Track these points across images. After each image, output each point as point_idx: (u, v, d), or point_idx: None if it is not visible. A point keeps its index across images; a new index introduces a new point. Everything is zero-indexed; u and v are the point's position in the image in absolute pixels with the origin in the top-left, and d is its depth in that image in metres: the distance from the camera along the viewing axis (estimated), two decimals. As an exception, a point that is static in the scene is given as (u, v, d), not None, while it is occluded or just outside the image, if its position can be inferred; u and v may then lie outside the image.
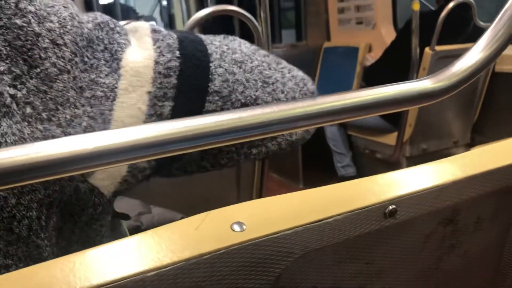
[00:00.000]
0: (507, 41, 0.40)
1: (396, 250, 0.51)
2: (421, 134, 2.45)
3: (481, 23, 2.29)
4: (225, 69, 0.54)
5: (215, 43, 0.55)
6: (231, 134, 0.34)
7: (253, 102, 0.54)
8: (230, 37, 0.59)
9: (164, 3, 5.38)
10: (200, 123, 0.33)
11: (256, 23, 1.29)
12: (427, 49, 2.19)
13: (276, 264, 0.40)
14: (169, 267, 0.34)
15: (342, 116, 0.38)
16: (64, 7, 0.46)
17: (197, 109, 0.51)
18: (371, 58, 3.07)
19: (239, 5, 2.09)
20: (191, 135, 0.33)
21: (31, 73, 0.41)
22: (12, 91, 0.40)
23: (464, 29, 2.41)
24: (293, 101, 0.36)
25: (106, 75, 0.46)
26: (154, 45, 0.50)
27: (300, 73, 0.62)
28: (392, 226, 0.46)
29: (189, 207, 0.60)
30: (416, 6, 2.07)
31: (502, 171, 0.51)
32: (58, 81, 0.42)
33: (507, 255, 0.63)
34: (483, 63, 0.40)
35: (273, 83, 0.57)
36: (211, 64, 0.52)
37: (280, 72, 0.59)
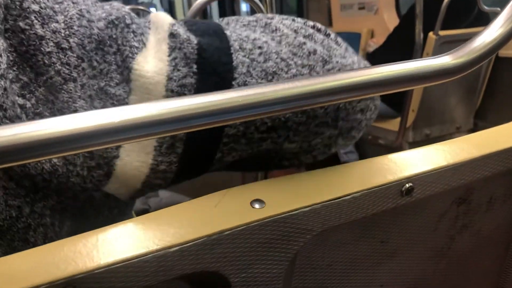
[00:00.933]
0: (526, 17, 0.40)
1: (411, 229, 0.51)
2: (424, 120, 2.45)
3: (486, 7, 2.28)
4: None
5: (245, 46, 0.45)
6: (247, 111, 0.33)
7: (282, 125, 0.45)
8: (273, 26, 0.48)
9: (164, -11, 5.34)
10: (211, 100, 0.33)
11: (261, 5, 1.28)
12: (430, 34, 2.18)
13: (294, 241, 0.40)
14: (190, 243, 0.34)
15: (362, 92, 0.37)
16: (74, 2, 0.41)
17: (216, 133, 0.44)
18: (373, 44, 3.05)
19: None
20: (209, 111, 0.33)
21: (38, 81, 0.38)
22: (21, 101, 0.37)
23: (468, 14, 2.39)
24: (311, 76, 0.35)
25: (117, 83, 0.42)
26: (169, 55, 0.43)
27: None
28: (408, 205, 0.46)
29: (195, 190, 0.58)
30: (420, -9, 2.05)
31: (516, 150, 0.51)
32: (63, 91, 0.38)
33: (518, 235, 0.63)
34: (503, 39, 0.40)
35: None
36: (233, 83, 0.44)
37: None
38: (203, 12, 4.44)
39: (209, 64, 0.43)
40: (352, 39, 3.29)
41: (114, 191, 0.44)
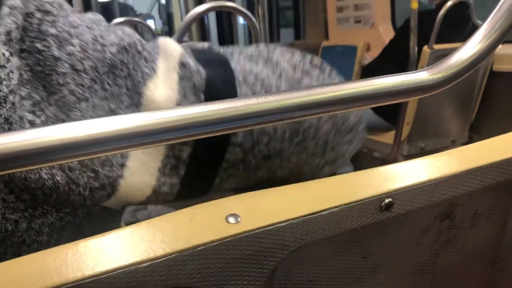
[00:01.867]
0: (504, 33, 0.40)
1: (393, 244, 0.51)
2: (419, 133, 2.45)
3: (479, 22, 2.29)
4: None
5: (249, 80, 0.48)
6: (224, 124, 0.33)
7: (277, 154, 0.48)
8: (274, 60, 0.51)
9: (163, 1, 5.38)
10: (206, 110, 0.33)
11: (254, 20, 1.28)
12: (425, 48, 2.19)
13: (271, 257, 0.39)
14: (162, 259, 0.34)
15: (337, 107, 0.37)
16: (88, 27, 0.43)
17: (217, 158, 0.47)
18: (369, 57, 3.07)
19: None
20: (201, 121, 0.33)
21: (50, 100, 0.39)
22: (31, 117, 0.38)
23: (462, 28, 2.41)
24: (288, 91, 0.35)
25: (127, 106, 0.43)
26: (179, 84, 0.46)
27: None
28: (389, 220, 0.46)
29: (184, 205, 0.59)
30: (415, 5, 2.07)
31: (498, 166, 0.51)
32: (75, 109, 0.40)
33: (504, 251, 0.62)
34: (480, 56, 0.40)
35: (304, 131, 0.49)
36: None
37: None
38: (201, 21, 4.47)
39: (216, 95, 0.46)
40: (348, 52, 3.30)
41: (111, 206, 0.45)
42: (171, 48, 0.48)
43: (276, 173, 0.50)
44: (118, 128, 0.29)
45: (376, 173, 0.46)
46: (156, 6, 5.46)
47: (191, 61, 0.48)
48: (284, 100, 0.35)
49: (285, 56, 0.52)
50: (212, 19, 4.74)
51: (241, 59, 0.51)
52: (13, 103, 0.36)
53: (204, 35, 4.65)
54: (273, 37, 4.14)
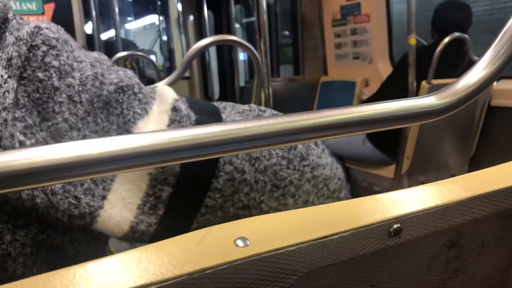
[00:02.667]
0: (508, 59, 0.41)
1: (401, 273, 0.50)
2: (419, 167, 2.45)
3: (476, 58, 2.33)
4: (235, 167, 0.49)
5: None
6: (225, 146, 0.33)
7: (256, 206, 0.49)
8: (266, 116, 0.54)
9: (164, 38, 5.48)
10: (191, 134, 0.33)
11: (257, 54, 1.31)
12: (423, 83, 2.22)
13: (280, 282, 0.39)
14: (170, 281, 0.33)
15: (345, 130, 0.37)
16: (92, 65, 0.46)
17: (196, 201, 0.48)
18: (368, 92, 3.11)
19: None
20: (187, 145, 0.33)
21: (42, 126, 0.41)
22: (21, 137, 0.40)
23: (459, 64, 2.45)
24: (293, 114, 0.35)
25: None
26: (168, 125, 0.48)
27: (326, 171, 0.54)
28: (397, 246, 0.45)
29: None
30: (413, 41, 2.12)
31: (505, 193, 0.51)
32: (66, 137, 0.42)
33: (512, 282, 0.61)
34: (486, 81, 0.40)
35: (284, 187, 0.51)
36: (220, 160, 0.48)
37: (299, 171, 0.52)
38: (202, 57, 4.54)
39: None
40: (347, 87, 3.35)
41: (94, 230, 0.45)
42: (166, 94, 0.51)
43: None
44: (104, 151, 0.29)
45: (384, 199, 0.45)
46: (158, 43, 5.57)
47: (183, 107, 0.50)
48: (290, 122, 0.36)
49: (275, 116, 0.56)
50: (213, 54, 4.82)
51: (232, 112, 0.54)
52: (5, 120, 0.38)
53: (204, 71, 4.72)
54: (273, 73, 4.21)
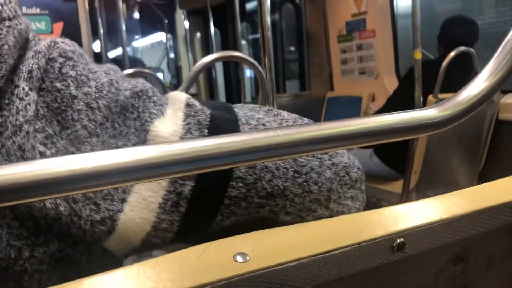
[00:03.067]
0: (509, 70, 0.40)
1: (406, 288, 0.49)
2: (427, 182, 2.43)
3: (482, 72, 2.32)
4: None
5: (251, 122, 0.51)
6: (233, 158, 0.33)
7: (281, 193, 0.48)
8: (275, 111, 0.55)
9: (171, 55, 5.53)
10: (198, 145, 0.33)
11: (261, 69, 1.31)
12: (430, 97, 2.22)
13: (280, 299, 0.38)
14: (168, 298, 0.32)
15: (346, 142, 0.37)
16: (106, 73, 0.48)
17: (219, 192, 0.47)
18: (374, 107, 3.10)
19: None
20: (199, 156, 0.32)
21: (62, 134, 0.43)
22: (42, 148, 0.41)
23: (466, 78, 2.45)
24: (297, 125, 0.35)
25: (133, 144, 0.46)
26: (184, 121, 0.49)
27: (344, 159, 0.54)
28: (401, 261, 0.44)
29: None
30: (418, 55, 2.11)
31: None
32: (86, 143, 0.43)
33: (522, 298, 0.60)
34: (488, 92, 0.40)
35: (306, 173, 0.50)
36: None
37: (318, 158, 0.52)
38: (208, 73, 4.56)
39: (219, 131, 0.49)
40: (353, 102, 3.34)
41: (112, 248, 0.45)
42: (179, 95, 0.53)
43: (278, 216, 0.49)
44: (124, 161, 0.29)
45: (388, 213, 0.45)
46: (165, 60, 5.62)
47: (197, 103, 0.52)
48: (292, 134, 0.35)
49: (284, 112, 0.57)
50: (219, 71, 4.85)
51: (244, 108, 0.55)
52: (27, 132, 0.40)
53: (211, 87, 4.75)
54: (279, 89, 4.22)
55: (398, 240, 0.43)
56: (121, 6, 2.81)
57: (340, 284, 0.43)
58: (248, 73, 4.77)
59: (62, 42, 0.47)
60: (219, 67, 4.77)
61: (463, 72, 2.40)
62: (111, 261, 0.47)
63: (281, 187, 0.48)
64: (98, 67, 0.49)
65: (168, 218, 0.45)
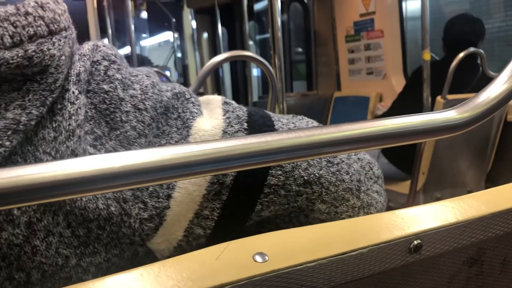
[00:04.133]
0: (530, 73, 0.40)
1: (421, 290, 0.49)
2: (435, 183, 2.42)
3: (492, 73, 2.31)
4: None
5: (282, 120, 0.54)
6: (252, 159, 0.33)
7: (317, 181, 0.50)
8: (299, 116, 0.59)
9: (179, 54, 5.54)
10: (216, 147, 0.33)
11: (270, 68, 1.31)
12: (438, 98, 2.21)
13: (298, 299, 0.38)
14: (190, 297, 0.33)
15: (365, 144, 0.37)
16: (147, 76, 0.49)
17: (260, 181, 0.49)
18: (382, 107, 3.10)
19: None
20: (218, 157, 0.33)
21: (111, 135, 0.44)
22: (92, 150, 0.42)
23: (471, 78, 2.44)
24: (314, 127, 0.35)
25: (176, 141, 0.47)
26: (224, 115, 0.51)
27: (366, 157, 0.58)
28: (417, 263, 0.44)
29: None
30: (427, 56, 2.11)
31: (528, 209, 0.50)
32: (136, 144, 0.44)
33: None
34: (508, 95, 0.40)
35: (338, 163, 0.53)
36: None
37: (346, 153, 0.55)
38: (216, 73, 4.57)
39: (257, 124, 0.51)
40: (361, 102, 3.34)
41: (156, 247, 0.46)
42: (212, 96, 0.55)
43: (315, 204, 0.51)
44: (166, 158, 0.30)
45: (404, 214, 0.45)
46: (172, 59, 5.63)
47: (233, 102, 0.54)
48: (314, 135, 0.35)
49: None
50: (226, 70, 4.85)
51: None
52: (79, 137, 0.41)
53: (218, 86, 4.75)
54: (287, 88, 4.21)
55: (415, 242, 0.43)
56: (130, 4, 2.82)
57: (358, 285, 0.43)
58: (254, 72, 4.77)
59: (103, 46, 0.48)
60: (226, 66, 4.78)
61: (467, 72, 2.39)
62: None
63: (317, 175, 0.50)
64: (137, 70, 0.51)
65: (210, 205, 0.47)
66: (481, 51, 2.24)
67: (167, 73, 4.72)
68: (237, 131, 0.49)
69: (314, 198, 0.51)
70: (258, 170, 0.49)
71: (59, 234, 0.40)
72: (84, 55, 0.45)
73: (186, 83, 5.10)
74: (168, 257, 0.46)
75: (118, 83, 0.45)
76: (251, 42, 5.07)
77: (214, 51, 4.58)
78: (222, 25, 4.03)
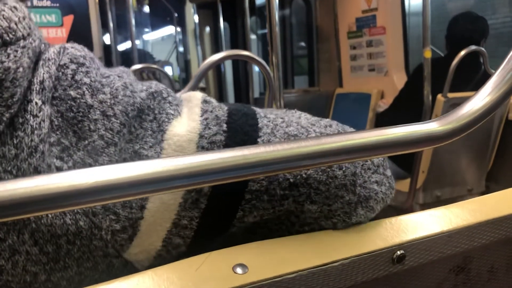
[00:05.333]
0: (514, 85, 0.40)
1: (406, 298, 0.49)
2: (435, 181, 2.42)
3: (493, 71, 2.29)
4: None
5: (269, 116, 0.51)
6: (233, 172, 0.33)
7: (304, 182, 0.47)
8: (292, 111, 0.55)
9: (181, 49, 5.53)
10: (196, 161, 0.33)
11: (267, 68, 1.31)
12: (439, 96, 2.20)
13: (279, 310, 0.38)
14: (167, 309, 0.33)
15: (347, 157, 0.37)
16: (119, 76, 0.46)
17: (240, 188, 0.46)
18: (383, 105, 3.08)
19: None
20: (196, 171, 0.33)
21: (79, 145, 0.41)
22: (58, 163, 0.40)
23: (473, 76, 2.42)
24: (298, 140, 0.35)
25: (150, 146, 0.45)
26: (201, 116, 0.48)
27: None
28: (401, 273, 0.44)
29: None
30: (428, 54, 2.10)
31: (515, 218, 0.50)
32: (104, 154, 0.42)
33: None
34: (491, 107, 0.40)
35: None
36: (259, 140, 0.48)
37: None
38: (218, 68, 4.56)
39: (238, 125, 0.48)
40: (362, 99, 3.33)
41: (133, 258, 0.44)
42: (194, 94, 0.52)
43: (304, 206, 0.48)
44: (137, 174, 0.30)
45: (388, 224, 0.45)
46: (174, 54, 5.62)
47: (213, 100, 0.51)
48: (293, 148, 0.35)
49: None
50: (228, 66, 4.85)
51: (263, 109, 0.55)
52: (42, 152, 0.38)
53: (220, 82, 4.75)
54: (287, 84, 4.21)
55: (398, 252, 0.43)
56: (131, -1, 2.81)
57: (339, 295, 0.43)
58: (256, 68, 4.76)
59: (72, 47, 0.46)
60: (228, 62, 4.77)
61: (469, 70, 2.37)
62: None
63: (304, 175, 0.47)
64: (110, 70, 0.48)
65: (188, 214, 0.45)
66: (483, 49, 2.23)
67: (169, 68, 4.72)
68: (215, 134, 0.46)
69: (302, 200, 0.47)
70: None
71: (26, 252, 0.39)
72: (48, 59, 0.42)
73: (188, 78, 5.10)
74: (149, 267, 0.45)
75: (86, 88, 0.43)
76: (253, 36, 5.06)
77: (216, 46, 4.57)
78: (224, 19, 4.02)
